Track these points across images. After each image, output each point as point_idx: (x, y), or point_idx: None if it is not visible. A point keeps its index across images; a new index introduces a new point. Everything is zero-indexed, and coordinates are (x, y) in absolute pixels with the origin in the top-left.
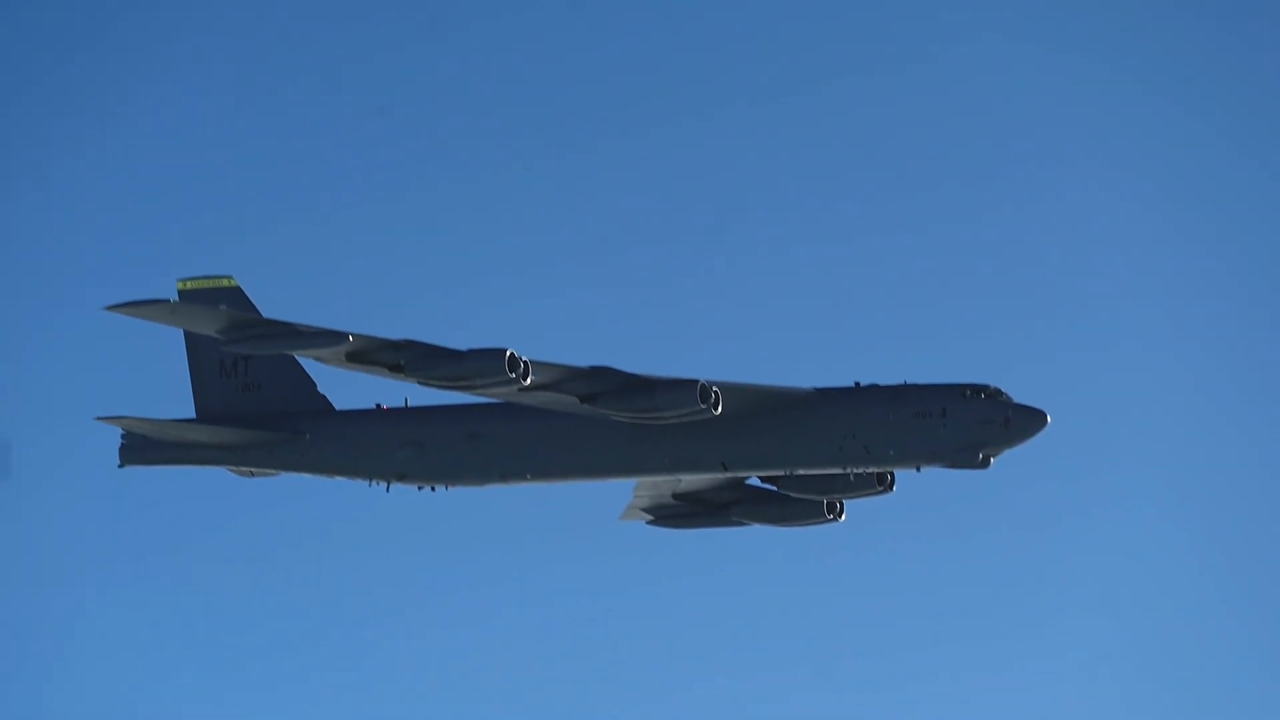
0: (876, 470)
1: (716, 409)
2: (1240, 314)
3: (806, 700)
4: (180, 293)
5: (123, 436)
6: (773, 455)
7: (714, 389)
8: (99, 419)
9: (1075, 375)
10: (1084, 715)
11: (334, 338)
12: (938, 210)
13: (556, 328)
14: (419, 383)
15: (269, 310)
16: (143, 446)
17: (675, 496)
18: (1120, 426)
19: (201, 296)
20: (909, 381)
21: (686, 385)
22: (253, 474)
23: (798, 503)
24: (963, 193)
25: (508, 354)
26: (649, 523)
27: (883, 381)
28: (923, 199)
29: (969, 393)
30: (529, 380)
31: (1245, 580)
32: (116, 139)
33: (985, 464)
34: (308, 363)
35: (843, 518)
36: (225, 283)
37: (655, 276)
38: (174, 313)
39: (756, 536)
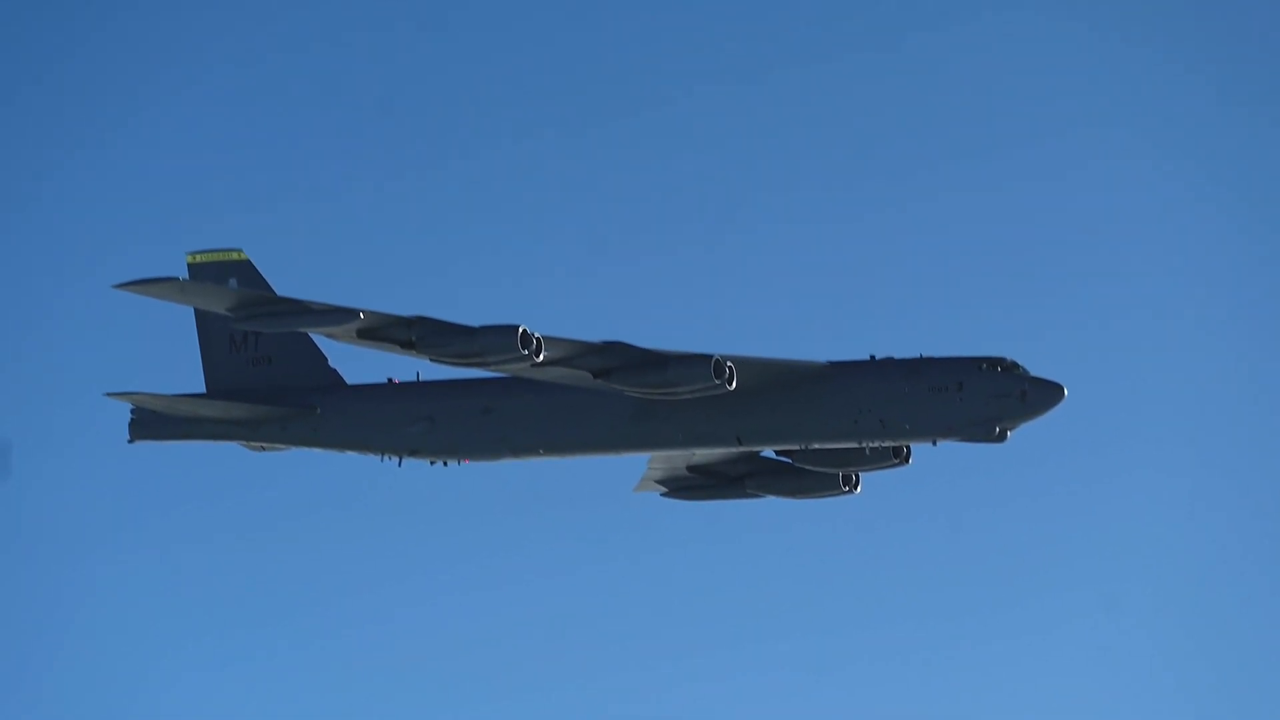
0: (892, 444)
1: (731, 384)
2: (1262, 286)
3: (818, 671)
4: (190, 265)
5: (132, 412)
6: (788, 430)
7: (728, 364)
8: (109, 395)
9: (1093, 348)
10: (1096, 691)
11: (345, 315)
12: (953, 180)
13: (570, 304)
14: (431, 359)
15: (279, 283)
16: (153, 422)
17: (689, 469)
18: (1138, 400)
19: (211, 269)
20: (924, 355)
21: (700, 360)
22: (264, 449)
23: (812, 475)
24: (976, 163)
25: (520, 330)
26: (663, 495)
27: (898, 355)
28: (939, 169)
29: (985, 366)
30: (541, 356)
31: (1261, 556)
32: (126, 113)
33: (1001, 438)
34: (319, 337)
35: (858, 490)
36: (235, 256)
37: (667, 251)
38: (183, 291)
39: (770, 509)
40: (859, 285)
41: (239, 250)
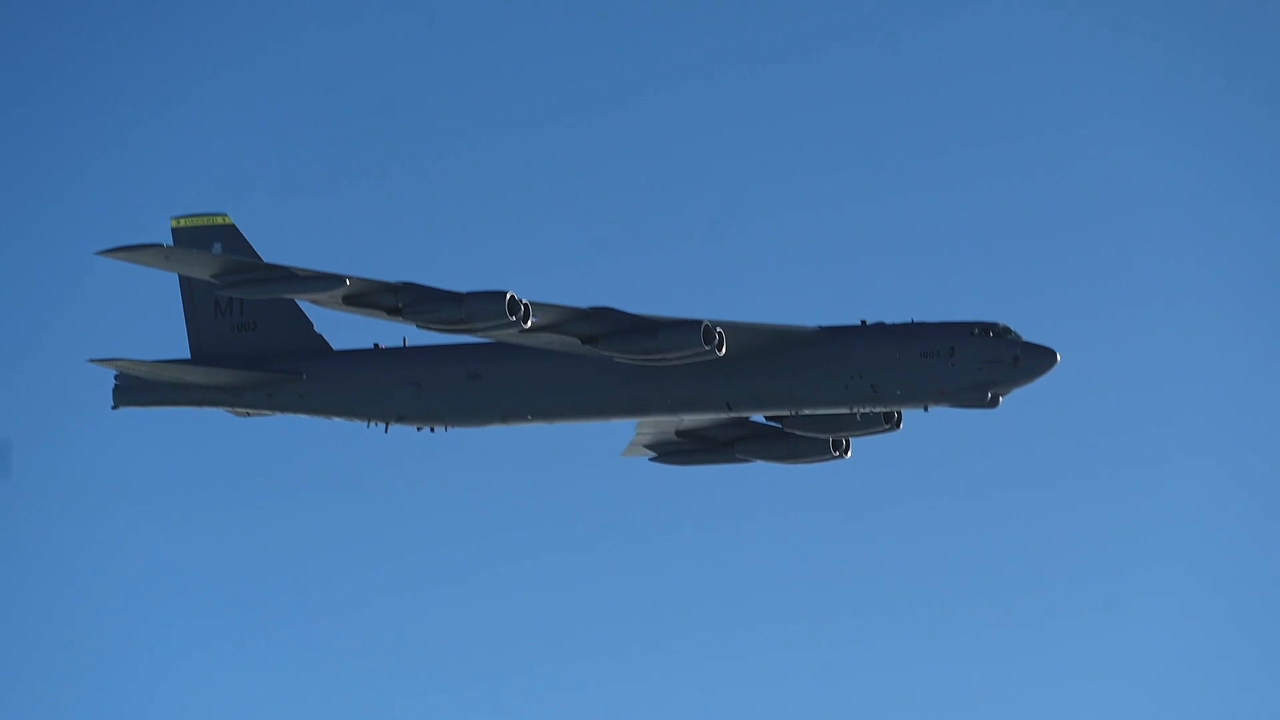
0: (883, 410)
1: (720, 350)
2: (1259, 250)
3: (806, 638)
4: (174, 230)
5: (116, 378)
6: (778, 395)
7: (718, 329)
8: (92, 361)
9: (1086, 313)
10: (1090, 656)
11: (330, 281)
12: (947, 143)
13: (558, 269)
14: (418, 326)
15: (264, 247)
16: (137, 388)
17: (678, 434)
18: (1132, 365)
19: (196, 234)
20: (916, 319)
21: (690, 326)
22: (249, 414)
23: (802, 440)
24: (969, 126)
25: (508, 296)
26: (651, 459)
27: (889, 320)
28: (933, 131)
29: (977, 331)
30: (529, 323)
31: (1254, 520)
32: (109, 74)
33: (994, 403)
34: (304, 303)
35: (849, 455)
36: (220, 220)
37: (656, 215)
38: (168, 258)
39: (759, 474)
40: (851, 249)
41: (224, 215)
